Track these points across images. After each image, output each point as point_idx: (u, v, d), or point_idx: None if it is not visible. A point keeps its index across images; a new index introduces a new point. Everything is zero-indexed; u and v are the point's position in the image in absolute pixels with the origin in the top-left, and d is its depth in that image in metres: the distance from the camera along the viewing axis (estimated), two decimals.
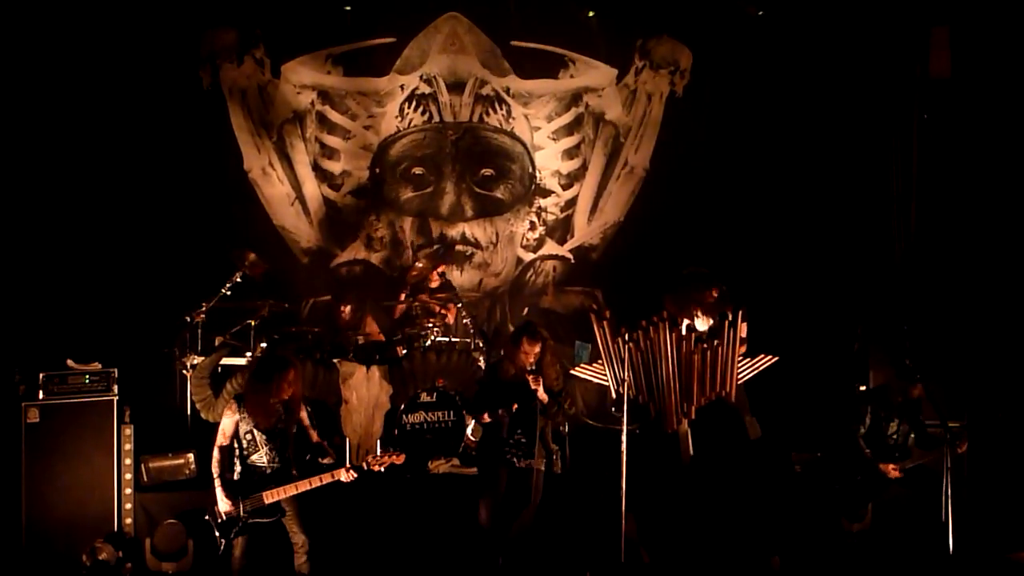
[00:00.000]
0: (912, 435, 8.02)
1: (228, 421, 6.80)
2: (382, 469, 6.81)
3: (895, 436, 7.97)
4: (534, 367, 7.21)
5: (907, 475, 7.85)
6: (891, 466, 7.82)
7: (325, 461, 7.21)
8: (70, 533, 7.70)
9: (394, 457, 6.82)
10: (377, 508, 7.91)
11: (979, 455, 8.75)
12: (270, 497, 6.68)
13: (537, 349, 7.24)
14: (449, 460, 8.61)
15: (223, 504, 6.69)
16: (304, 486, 6.70)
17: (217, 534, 6.75)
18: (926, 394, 7.79)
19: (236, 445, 6.78)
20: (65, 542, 7.68)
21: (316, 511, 7.03)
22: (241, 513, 6.68)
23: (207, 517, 6.81)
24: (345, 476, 6.70)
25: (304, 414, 6.99)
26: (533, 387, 7.12)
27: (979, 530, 8.15)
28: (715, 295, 7.11)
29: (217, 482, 6.73)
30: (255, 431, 6.74)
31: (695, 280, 7.17)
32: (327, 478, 6.71)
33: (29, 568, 7.63)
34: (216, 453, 6.79)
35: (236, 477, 6.76)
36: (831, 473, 8.16)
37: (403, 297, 9.62)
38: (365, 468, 6.76)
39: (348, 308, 9.35)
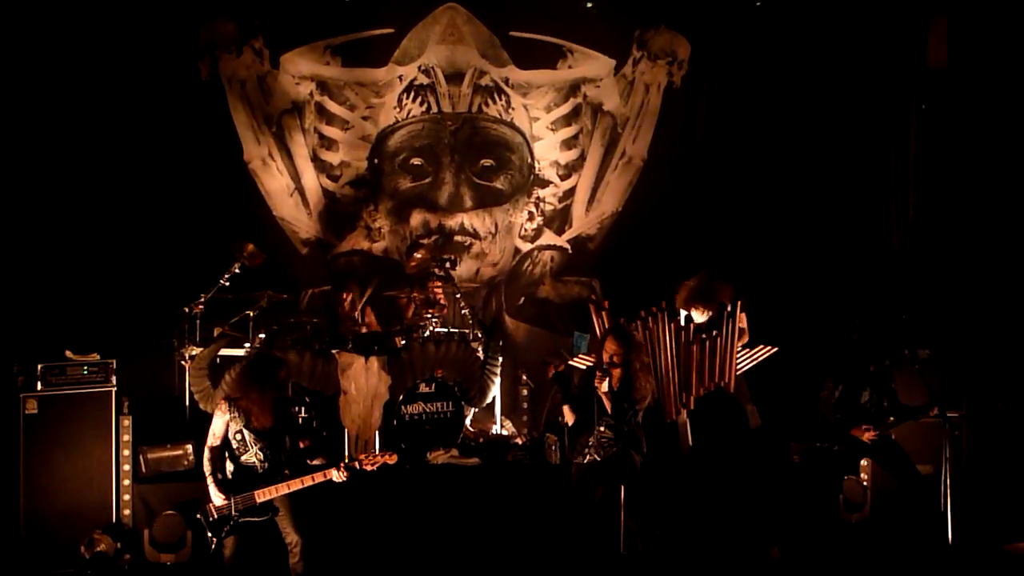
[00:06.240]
0: (885, 403, 7.99)
1: (219, 422, 6.77)
2: (375, 469, 6.81)
3: (868, 403, 7.95)
4: (609, 365, 6.93)
5: (878, 448, 7.85)
6: (863, 427, 7.81)
7: (315, 462, 7.21)
8: (69, 524, 7.71)
9: (387, 457, 6.82)
10: (375, 500, 7.89)
11: (978, 446, 8.80)
12: (261, 496, 6.66)
13: (615, 348, 6.96)
14: (448, 451, 8.60)
15: (216, 498, 6.67)
16: (296, 485, 6.68)
17: (208, 533, 6.72)
18: (923, 380, 7.81)
19: (227, 445, 6.77)
20: (64, 533, 7.68)
21: (314, 506, 7.01)
22: (233, 511, 6.66)
23: (199, 515, 6.80)
24: (337, 476, 6.69)
25: (292, 412, 7.03)
26: (596, 383, 6.88)
27: (978, 521, 8.19)
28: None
29: (210, 480, 6.72)
30: (245, 431, 6.71)
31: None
32: (319, 477, 6.70)
33: (28, 559, 7.64)
34: (207, 453, 6.77)
35: (228, 476, 6.76)
36: (814, 452, 8.18)
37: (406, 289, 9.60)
38: (357, 468, 6.76)
39: (349, 296, 9.33)
